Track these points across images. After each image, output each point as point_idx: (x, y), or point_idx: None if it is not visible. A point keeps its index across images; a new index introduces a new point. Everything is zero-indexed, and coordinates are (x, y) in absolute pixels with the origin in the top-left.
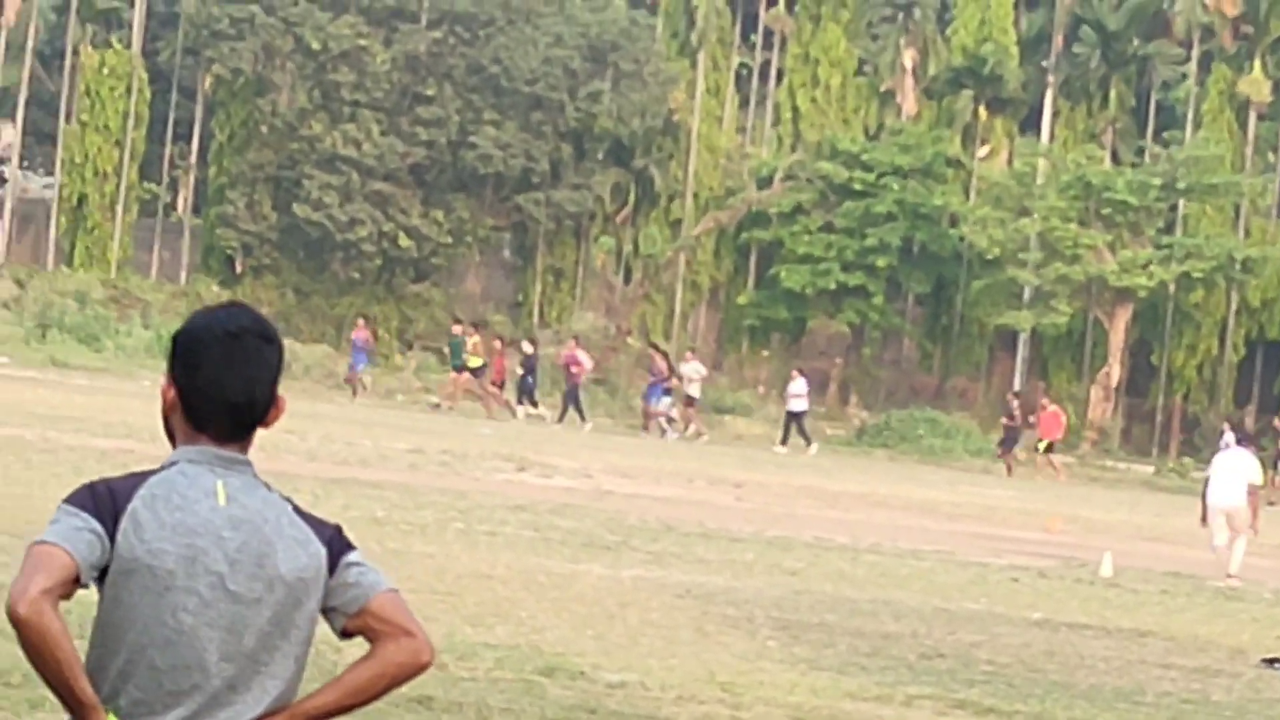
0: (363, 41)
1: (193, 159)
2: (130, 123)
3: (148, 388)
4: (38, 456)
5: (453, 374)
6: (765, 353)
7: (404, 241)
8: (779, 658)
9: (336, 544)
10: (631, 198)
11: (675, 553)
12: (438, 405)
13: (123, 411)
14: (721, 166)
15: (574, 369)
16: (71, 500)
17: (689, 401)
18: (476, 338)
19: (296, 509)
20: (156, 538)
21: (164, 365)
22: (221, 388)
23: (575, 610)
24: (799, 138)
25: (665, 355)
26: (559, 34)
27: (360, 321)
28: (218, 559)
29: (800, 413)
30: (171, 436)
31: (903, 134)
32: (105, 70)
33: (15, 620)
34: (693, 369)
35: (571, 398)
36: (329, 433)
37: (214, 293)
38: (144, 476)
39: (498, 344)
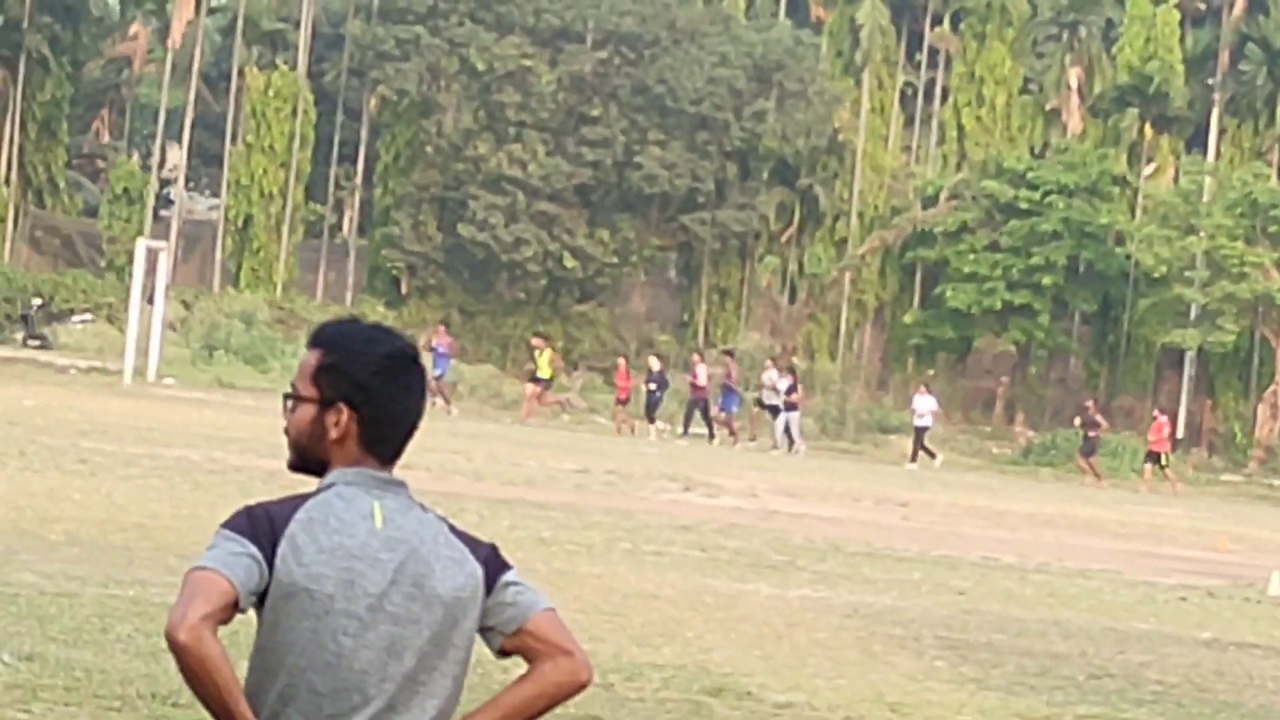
0: (528, 62)
1: (358, 180)
2: (296, 144)
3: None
4: (205, 478)
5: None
6: (931, 371)
7: (569, 262)
8: (946, 678)
9: (493, 563)
10: (796, 217)
11: (842, 572)
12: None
13: (278, 431)
14: (886, 185)
15: (697, 385)
16: (229, 525)
17: (760, 406)
18: (549, 351)
19: (453, 528)
20: (315, 561)
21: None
22: (408, 412)
23: (742, 630)
24: (964, 156)
25: (735, 361)
26: (724, 54)
27: (442, 328)
28: (376, 581)
29: (924, 428)
30: (304, 463)
31: (1068, 152)
32: (271, 92)
33: (175, 646)
34: (769, 377)
35: (695, 410)
36: (494, 453)
37: (380, 313)
38: (301, 500)
39: (622, 362)
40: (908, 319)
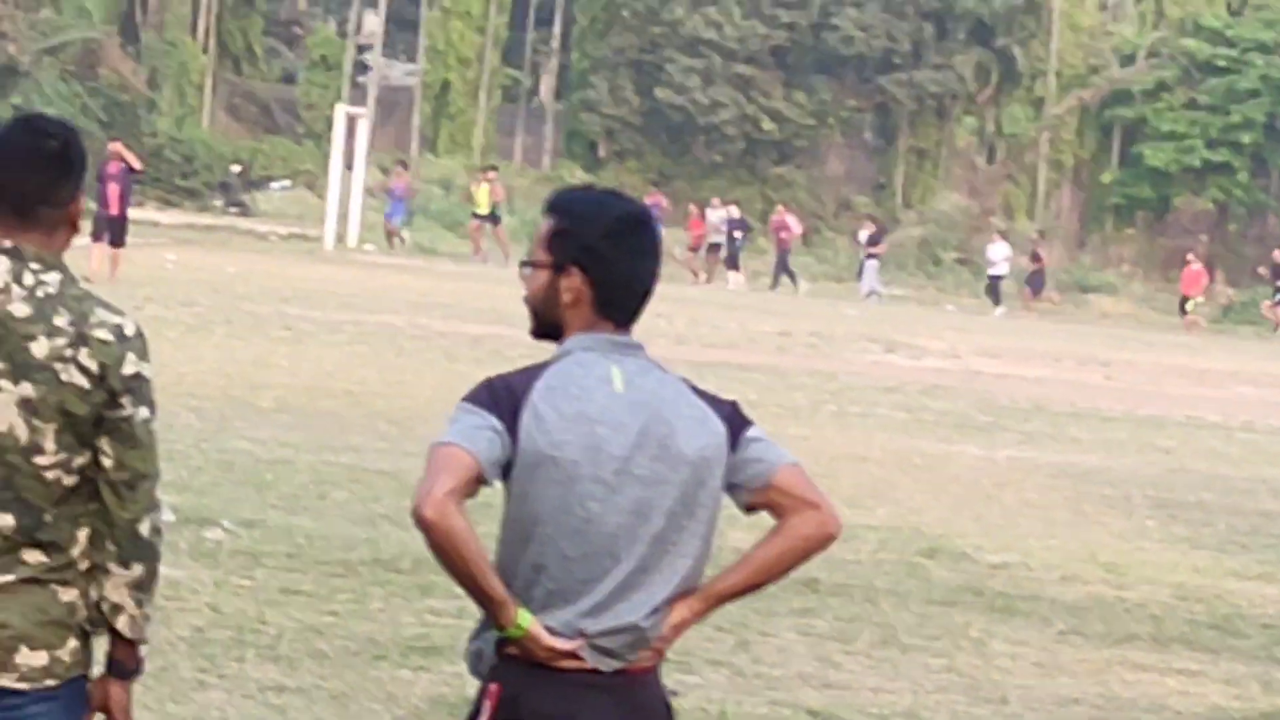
0: None
1: (555, 44)
2: (492, 8)
3: (511, 273)
4: (409, 344)
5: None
6: (1130, 231)
7: (766, 124)
8: (1158, 537)
9: (736, 420)
10: (994, 77)
11: (1048, 433)
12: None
13: (491, 297)
14: (1084, 45)
15: (783, 234)
16: (470, 399)
17: (713, 249)
18: (486, 186)
19: (693, 388)
20: (557, 429)
21: (525, 251)
22: (639, 275)
23: (952, 491)
24: (1162, 15)
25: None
26: None
27: (399, 169)
28: (620, 444)
29: (998, 277)
30: (543, 329)
31: (1266, 9)
32: None
33: (421, 522)
34: (719, 217)
35: (781, 264)
36: (695, 316)
37: (578, 178)
38: (540, 369)
39: (694, 208)
40: (1106, 178)
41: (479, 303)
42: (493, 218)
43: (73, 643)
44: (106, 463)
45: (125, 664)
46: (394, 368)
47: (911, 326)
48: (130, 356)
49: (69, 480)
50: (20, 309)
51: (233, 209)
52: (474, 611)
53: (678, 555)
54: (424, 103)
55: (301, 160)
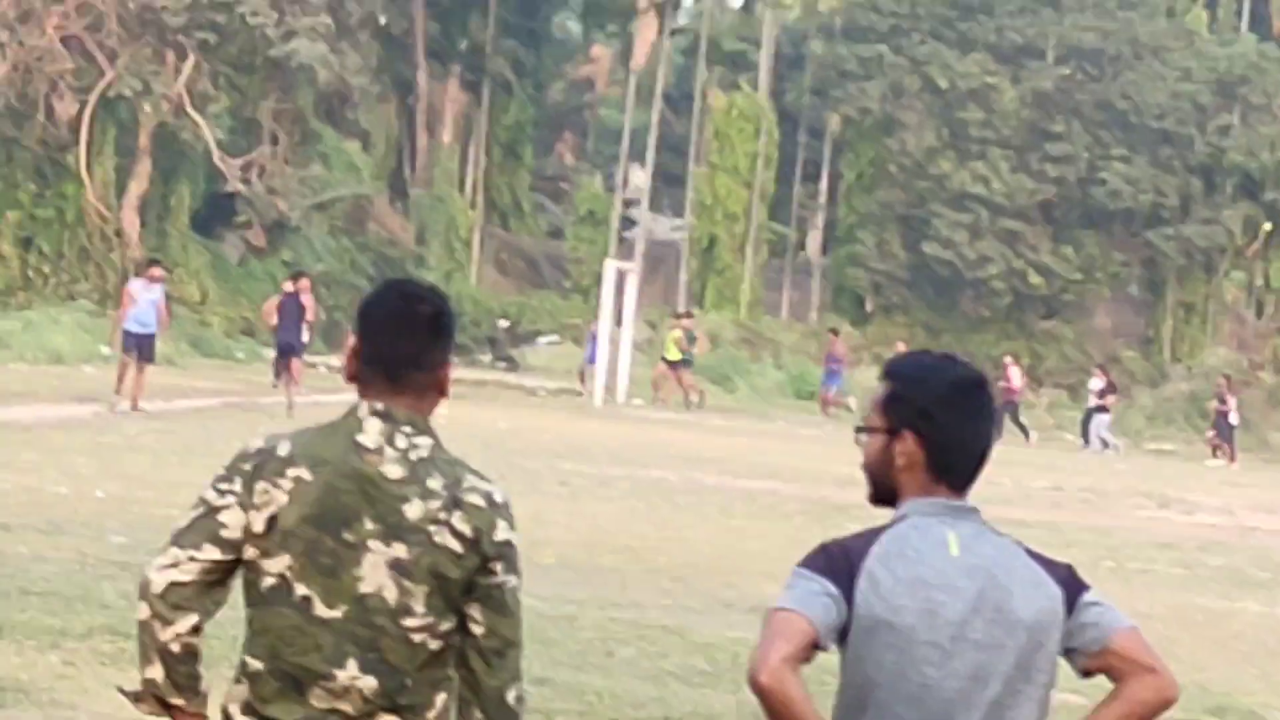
0: (990, 79)
1: (821, 199)
2: (759, 164)
3: (782, 428)
4: (684, 498)
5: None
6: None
7: (1033, 278)
8: None
9: (1071, 584)
10: (1262, 231)
11: None
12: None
13: (762, 452)
14: None
15: (1006, 389)
16: (807, 564)
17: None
18: (678, 333)
19: (1028, 551)
20: (894, 594)
21: (793, 406)
22: (971, 440)
23: (1235, 649)
24: None
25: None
26: (1187, 68)
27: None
28: (956, 609)
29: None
30: (879, 494)
31: None
32: (734, 112)
33: (757, 688)
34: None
35: (1009, 417)
36: (986, 474)
37: (845, 333)
38: (876, 533)
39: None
40: None
41: (750, 458)
42: (684, 363)
43: None
44: (477, 630)
45: None
46: (670, 523)
47: (1182, 481)
48: (502, 523)
49: (434, 644)
50: (394, 470)
51: (501, 364)
52: None
53: None
54: (691, 258)
55: (568, 314)
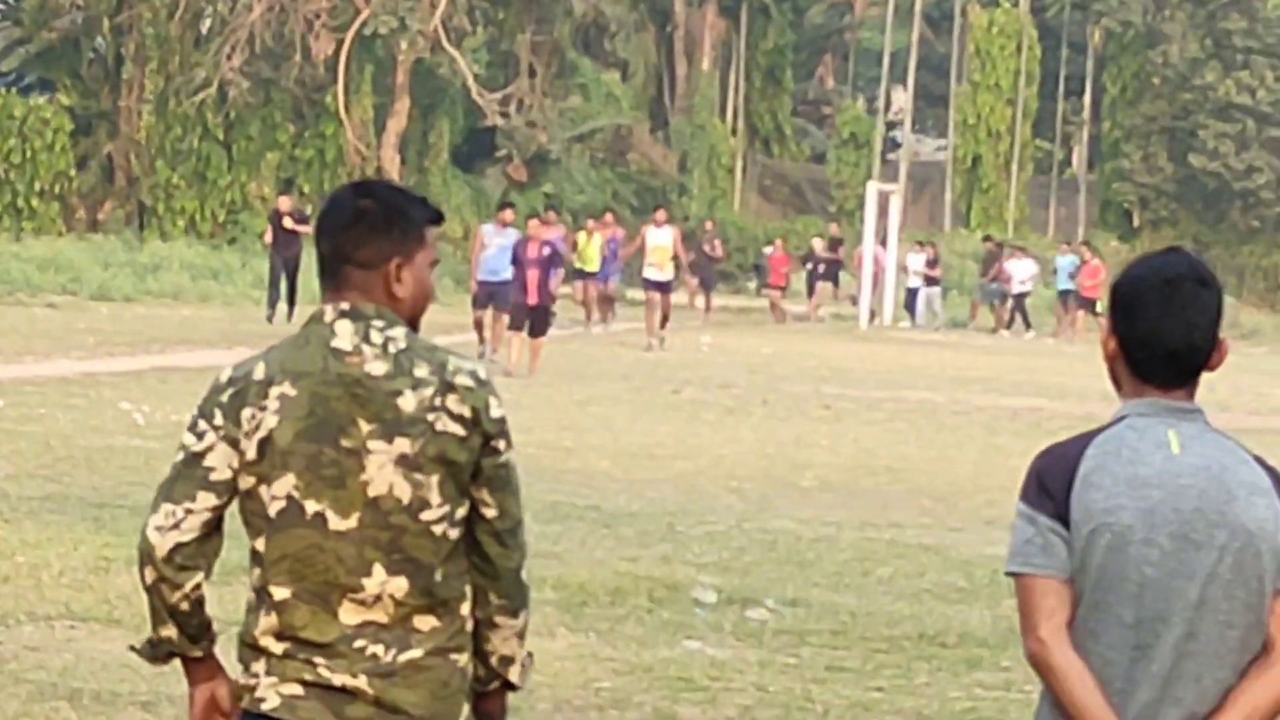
0: None
1: (1085, 114)
2: (1021, 81)
3: (1049, 345)
4: (949, 419)
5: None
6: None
7: None
8: None
9: None
10: None
11: None
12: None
13: (1029, 370)
14: None
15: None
16: (1025, 497)
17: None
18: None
19: (1255, 457)
20: (1111, 495)
21: None
22: (1160, 336)
23: None
24: None
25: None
26: None
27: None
28: (1176, 509)
29: (1023, 294)
30: (1118, 385)
31: None
32: (994, 29)
33: (1034, 664)
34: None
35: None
36: (1237, 383)
37: (1111, 248)
38: (1091, 436)
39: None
40: None
41: (1016, 376)
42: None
43: (465, 709)
44: (489, 512)
45: (494, 715)
46: (934, 443)
47: None
48: (493, 400)
49: (454, 534)
50: (378, 367)
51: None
52: (1021, 684)
53: (1227, 625)
54: (955, 177)
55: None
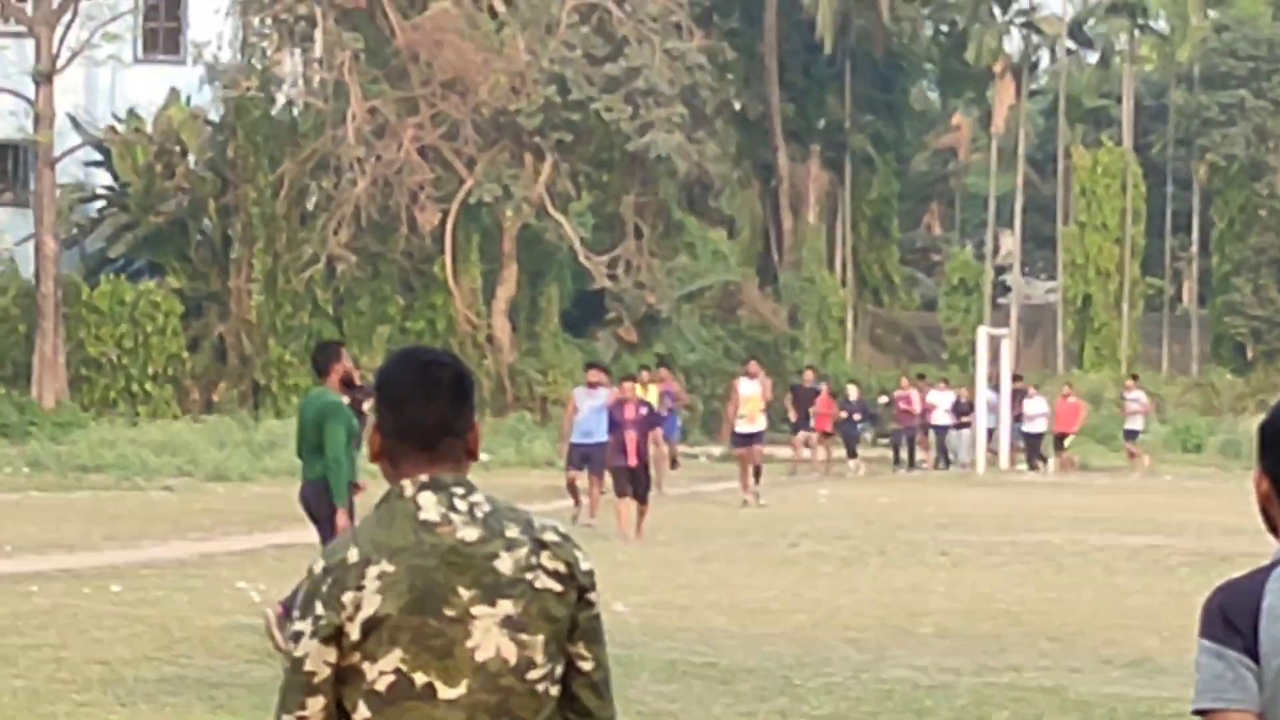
0: None
1: (1194, 249)
2: (1128, 219)
3: (1168, 483)
4: (1067, 560)
5: None
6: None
7: None
8: None
9: None
10: None
11: None
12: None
13: (1148, 508)
14: None
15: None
16: (1207, 633)
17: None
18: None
19: None
20: None
21: (1179, 460)
22: None
23: None
24: None
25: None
26: None
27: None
28: None
29: (1036, 434)
30: (1273, 529)
31: None
32: (1099, 169)
33: None
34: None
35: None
36: None
37: (1226, 382)
38: (1268, 570)
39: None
40: None
41: (1135, 514)
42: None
43: None
44: (587, 665)
45: None
46: (1052, 585)
47: None
48: (579, 553)
49: (554, 690)
50: (469, 533)
51: (883, 440)
52: None
53: None
54: (1066, 318)
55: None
